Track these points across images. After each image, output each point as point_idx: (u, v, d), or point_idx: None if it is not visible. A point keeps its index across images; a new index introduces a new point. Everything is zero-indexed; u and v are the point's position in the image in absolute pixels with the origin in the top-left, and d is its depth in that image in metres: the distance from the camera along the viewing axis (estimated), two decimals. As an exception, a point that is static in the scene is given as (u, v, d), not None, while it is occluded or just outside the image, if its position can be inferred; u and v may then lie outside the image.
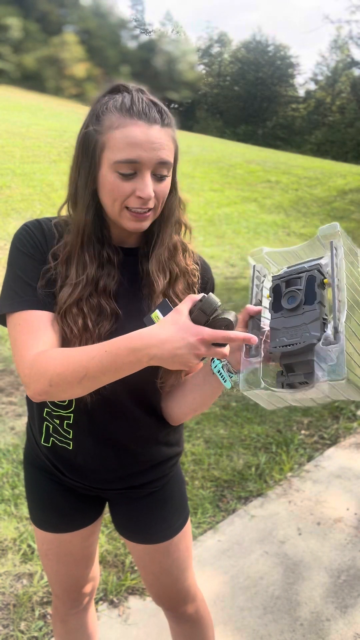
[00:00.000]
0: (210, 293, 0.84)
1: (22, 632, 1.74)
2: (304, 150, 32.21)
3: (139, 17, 49.81)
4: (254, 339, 0.85)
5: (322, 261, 0.89)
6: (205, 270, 1.14)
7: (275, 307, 0.91)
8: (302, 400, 0.88)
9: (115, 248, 1.03)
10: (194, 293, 1.08)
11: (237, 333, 0.83)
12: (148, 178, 0.92)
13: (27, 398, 1.21)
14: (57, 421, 1.11)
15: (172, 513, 1.23)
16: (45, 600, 1.87)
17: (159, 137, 0.91)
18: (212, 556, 2.12)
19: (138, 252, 1.06)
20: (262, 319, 0.93)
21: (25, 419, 3.03)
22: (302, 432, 3.14)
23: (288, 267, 0.94)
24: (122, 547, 2.12)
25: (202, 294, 0.85)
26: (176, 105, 45.55)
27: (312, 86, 48.46)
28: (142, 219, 0.96)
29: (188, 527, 1.27)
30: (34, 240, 0.99)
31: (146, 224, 0.98)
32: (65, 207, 1.02)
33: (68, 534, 1.21)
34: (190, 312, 0.84)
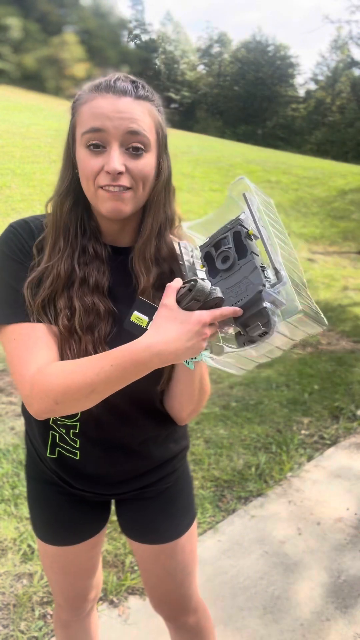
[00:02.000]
0: (198, 279, 0.80)
1: (22, 632, 1.74)
2: (304, 150, 32.22)
3: (139, 17, 49.80)
4: (240, 310, 0.82)
5: (242, 216, 0.89)
6: None
7: (212, 273, 0.90)
8: (269, 352, 0.87)
9: (105, 245, 0.98)
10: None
11: (228, 308, 0.82)
12: (115, 150, 0.86)
13: (25, 413, 1.16)
14: (63, 430, 1.07)
15: (180, 511, 1.21)
16: (45, 600, 1.87)
17: (129, 108, 0.86)
18: (212, 556, 2.12)
19: (131, 250, 1.01)
20: None
21: (25, 419, 3.03)
22: (302, 432, 3.13)
23: (211, 236, 0.93)
24: (122, 547, 2.11)
25: (189, 282, 0.81)
26: (176, 105, 45.56)
27: (312, 86, 48.51)
28: (117, 198, 0.88)
29: (194, 529, 1.25)
30: (22, 244, 0.93)
31: (125, 208, 0.90)
32: (51, 203, 0.97)
33: (74, 546, 1.19)
34: (179, 302, 0.81)
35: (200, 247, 0.94)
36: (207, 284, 0.81)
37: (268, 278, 0.82)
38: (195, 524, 1.25)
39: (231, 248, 0.87)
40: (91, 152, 0.87)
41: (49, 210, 0.97)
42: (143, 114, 0.88)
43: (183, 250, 0.92)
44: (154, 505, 1.18)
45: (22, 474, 2.51)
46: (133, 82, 0.90)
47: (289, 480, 2.65)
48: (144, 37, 48.59)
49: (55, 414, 0.88)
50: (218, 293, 0.81)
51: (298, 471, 2.72)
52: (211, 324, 0.82)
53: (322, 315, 0.84)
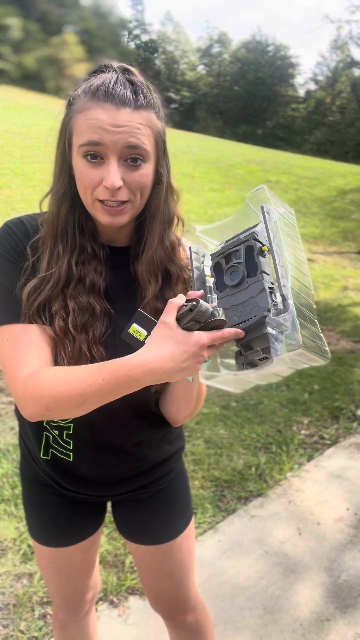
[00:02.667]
0: (200, 301, 0.79)
1: (22, 632, 1.74)
2: (304, 150, 32.20)
3: (139, 17, 49.80)
4: (242, 332, 0.81)
5: (257, 228, 0.85)
6: None
7: (220, 286, 0.87)
8: (267, 376, 0.85)
9: (102, 244, 0.97)
10: (190, 288, 1.00)
11: (230, 330, 0.81)
12: (113, 165, 0.84)
13: (18, 414, 1.15)
14: (57, 432, 1.07)
15: (176, 512, 1.21)
16: (45, 600, 1.87)
17: (127, 120, 0.83)
18: (212, 556, 2.12)
19: (129, 251, 1.00)
20: (208, 299, 0.89)
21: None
22: (302, 432, 3.13)
23: (225, 242, 0.89)
24: (122, 547, 2.11)
25: (191, 301, 0.79)
26: (176, 105, 45.56)
27: (312, 86, 48.51)
28: (116, 213, 0.88)
29: (191, 529, 1.25)
30: (16, 243, 0.92)
31: (122, 219, 0.90)
32: (46, 201, 0.96)
33: (69, 547, 1.18)
34: (178, 320, 0.79)
35: (212, 255, 0.90)
36: (209, 306, 0.79)
37: (275, 302, 0.79)
38: (192, 523, 1.25)
39: (242, 263, 0.84)
40: (89, 163, 0.85)
41: (44, 208, 0.96)
42: (142, 125, 0.85)
43: (194, 256, 0.91)
44: (150, 506, 1.18)
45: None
46: (132, 84, 0.86)
47: (289, 480, 2.65)
48: (144, 37, 48.62)
49: (46, 418, 0.88)
50: (220, 315, 0.80)
51: (298, 471, 2.72)
52: (211, 346, 0.81)
53: (327, 348, 0.82)
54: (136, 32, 48.50)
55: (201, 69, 50.88)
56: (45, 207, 0.96)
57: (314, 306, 0.86)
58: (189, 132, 23.17)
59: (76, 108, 0.86)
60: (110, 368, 0.80)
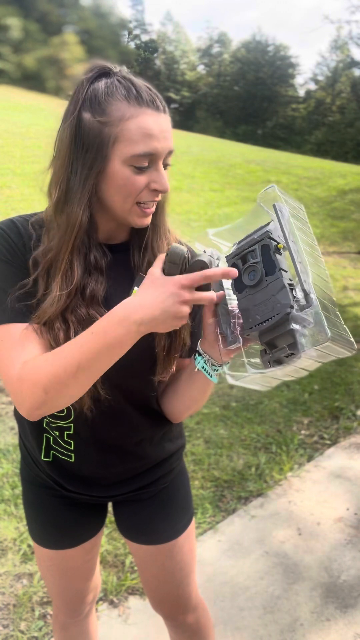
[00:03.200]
0: (173, 243, 0.82)
1: (22, 632, 1.74)
2: (304, 150, 32.22)
3: (139, 17, 49.78)
4: (234, 271, 0.81)
5: (270, 227, 0.85)
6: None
7: (238, 286, 0.87)
8: (294, 372, 0.85)
9: (103, 250, 0.94)
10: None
11: (215, 269, 0.79)
12: (162, 169, 0.88)
13: (18, 416, 1.15)
14: (57, 433, 1.06)
15: (177, 511, 1.20)
16: (45, 600, 1.87)
17: (167, 125, 0.87)
18: (212, 556, 2.12)
19: (129, 246, 1.00)
20: (228, 301, 0.90)
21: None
22: (302, 432, 3.13)
23: (238, 243, 0.90)
24: (122, 547, 2.11)
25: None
26: (176, 105, 45.56)
27: (312, 86, 48.53)
28: (149, 214, 0.92)
29: (192, 528, 1.25)
30: (9, 244, 0.89)
31: (150, 218, 0.94)
32: (43, 206, 0.93)
33: (70, 550, 1.18)
34: (163, 270, 0.82)
35: (227, 257, 0.90)
36: (183, 248, 0.81)
37: (296, 298, 0.79)
38: (193, 522, 1.25)
39: (259, 263, 0.84)
40: (136, 171, 0.86)
41: (49, 215, 0.92)
42: (171, 130, 0.88)
43: (207, 258, 0.90)
44: (151, 506, 1.18)
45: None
46: (150, 90, 0.87)
47: (289, 480, 2.65)
48: (144, 37, 48.60)
49: (46, 406, 0.84)
50: (202, 257, 0.81)
51: (298, 471, 2.72)
52: (196, 290, 0.81)
53: (352, 339, 0.82)
54: (136, 32, 48.52)
55: (201, 69, 50.92)
56: (52, 215, 0.92)
57: (334, 298, 0.86)
58: (189, 132, 23.17)
59: (119, 115, 0.83)
60: (97, 323, 0.80)
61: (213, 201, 9.91)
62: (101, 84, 0.85)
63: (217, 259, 0.91)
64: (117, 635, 1.75)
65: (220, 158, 13.69)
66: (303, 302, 0.78)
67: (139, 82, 0.87)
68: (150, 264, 0.96)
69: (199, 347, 0.96)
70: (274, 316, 0.80)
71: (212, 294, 0.81)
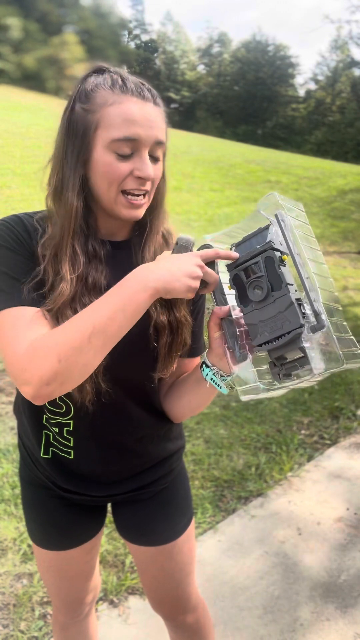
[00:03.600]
0: (180, 234, 0.87)
1: (22, 632, 1.74)
2: (304, 150, 32.22)
3: (139, 17, 49.77)
4: (234, 254, 0.86)
5: (272, 236, 0.83)
6: None
7: (243, 300, 0.86)
8: (303, 383, 0.85)
9: (102, 241, 0.95)
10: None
11: (223, 251, 0.86)
12: (147, 157, 0.87)
13: (17, 412, 1.14)
14: (57, 429, 1.06)
15: (176, 512, 1.20)
16: (45, 600, 1.87)
17: (154, 115, 0.87)
18: (212, 556, 2.12)
19: (130, 244, 1.00)
20: (232, 313, 0.90)
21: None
22: (302, 432, 3.14)
23: (236, 245, 0.88)
24: (122, 547, 2.12)
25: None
26: (176, 105, 45.57)
27: (312, 86, 48.53)
28: (138, 206, 0.91)
29: (192, 529, 1.24)
30: (15, 235, 0.90)
31: (141, 212, 0.92)
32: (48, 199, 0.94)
33: (69, 551, 1.18)
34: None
35: (228, 266, 0.88)
36: (190, 237, 0.85)
37: (306, 315, 0.78)
38: (192, 523, 1.25)
39: (264, 277, 0.82)
40: (119, 158, 0.86)
41: (50, 206, 0.94)
42: (162, 121, 0.89)
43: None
44: (151, 507, 1.18)
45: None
46: (143, 84, 0.89)
47: (289, 480, 2.65)
48: (144, 37, 48.60)
49: (57, 380, 0.79)
50: (207, 242, 0.87)
51: (298, 471, 2.72)
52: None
53: None
54: (136, 32, 48.51)
55: (201, 69, 50.92)
56: (51, 206, 0.94)
57: (340, 308, 0.85)
58: (189, 132, 23.17)
59: (101, 101, 0.85)
60: (114, 287, 0.81)
61: (213, 201, 9.91)
62: (92, 78, 0.88)
63: (216, 264, 0.92)
64: (117, 635, 1.75)
65: (220, 158, 13.69)
66: (313, 320, 0.77)
67: (131, 76, 0.89)
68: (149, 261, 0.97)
69: (205, 359, 0.97)
70: (284, 335, 0.80)
71: (216, 275, 0.86)
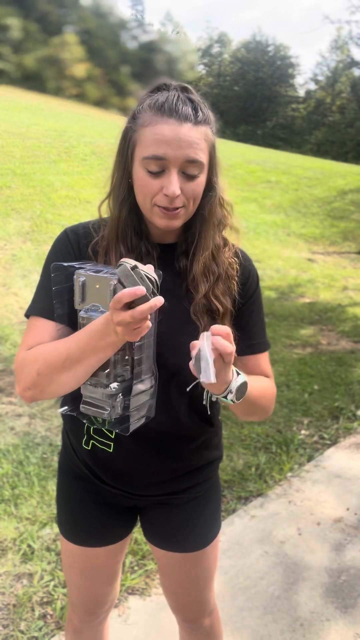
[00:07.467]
0: (120, 261, 0.77)
1: (22, 632, 1.74)
2: (304, 150, 32.19)
3: (139, 17, 49.78)
4: (141, 289, 0.76)
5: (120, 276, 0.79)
6: (246, 261, 1.11)
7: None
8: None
9: (154, 244, 1.04)
10: (234, 288, 1.07)
11: (124, 291, 0.76)
12: (174, 176, 0.92)
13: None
14: (100, 420, 1.06)
15: (208, 522, 1.21)
16: (45, 600, 1.87)
17: (189, 135, 0.91)
18: (212, 556, 2.12)
19: (175, 248, 1.06)
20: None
21: (25, 419, 3.03)
22: (302, 432, 3.14)
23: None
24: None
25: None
26: (176, 105, 45.45)
27: (312, 86, 48.45)
28: (172, 217, 0.96)
29: (218, 537, 1.26)
30: (67, 249, 1.02)
31: (177, 223, 0.98)
32: (106, 203, 1.04)
33: (96, 549, 1.18)
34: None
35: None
36: (124, 267, 0.77)
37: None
38: (220, 532, 1.26)
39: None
40: (150, 174, 0.93)
41: (103, 212, 1.04)
42: (200, 140, 0.93)
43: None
44: (182, 514, 1.18)
45: (22, 474, 2.51)
46: (191, 102, 0.93)
47: (289, 480, 2.65)
48: (144, 38, 48.59)
49: (36, 388, 0.95)
50: (119, 272, 0.78)
51: (298, 471, 2.72)
52: (122, 309, 0.78)
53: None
54: (136, 32, 48.52)
55: (201, 69, 50.87)
56: (103, 212, 1.05)
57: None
58: (189, 132, 23.09)
59: (141, 122, 0.93)
60: (93, 323, 0.88)
61: (213, 201, 9.89)
62: (145, 97, 0.96)
63: (135, 267, 0.81)
64: (117, 635, 1.75)
65: (220, 158, 13.66)
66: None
67: (182, 94, 0.93)
68: (201, 274, 1.03)
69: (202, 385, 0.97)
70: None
71: (131, 291, 0.76)
